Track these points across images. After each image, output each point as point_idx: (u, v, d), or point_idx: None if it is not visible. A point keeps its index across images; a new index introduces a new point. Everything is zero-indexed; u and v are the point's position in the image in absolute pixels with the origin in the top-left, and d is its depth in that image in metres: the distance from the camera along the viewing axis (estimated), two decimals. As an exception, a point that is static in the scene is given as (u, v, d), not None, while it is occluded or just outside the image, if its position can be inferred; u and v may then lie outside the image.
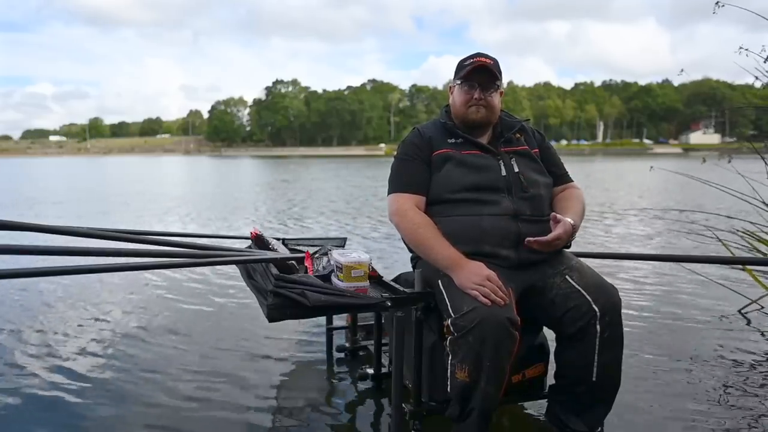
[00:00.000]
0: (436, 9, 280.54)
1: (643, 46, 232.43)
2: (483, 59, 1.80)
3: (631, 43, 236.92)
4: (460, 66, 1.85)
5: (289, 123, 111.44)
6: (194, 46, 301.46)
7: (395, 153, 1.91)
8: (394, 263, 4.54)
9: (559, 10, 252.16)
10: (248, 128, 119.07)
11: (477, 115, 1.81)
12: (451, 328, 1.55)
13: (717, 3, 2.99)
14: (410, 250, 1.94)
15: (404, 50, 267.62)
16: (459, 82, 1.83)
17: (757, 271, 3.52)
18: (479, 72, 1.79)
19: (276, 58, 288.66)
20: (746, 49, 3.04)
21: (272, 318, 1.63)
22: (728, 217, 3.94)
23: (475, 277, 1.56)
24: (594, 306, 1.62)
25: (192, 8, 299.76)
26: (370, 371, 2.19)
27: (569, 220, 1.69)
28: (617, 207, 9.44)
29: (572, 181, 1.94)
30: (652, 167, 3.78)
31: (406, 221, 1.75)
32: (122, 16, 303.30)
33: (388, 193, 1.86)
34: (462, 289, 1.58)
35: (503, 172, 1.77)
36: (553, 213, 1.69)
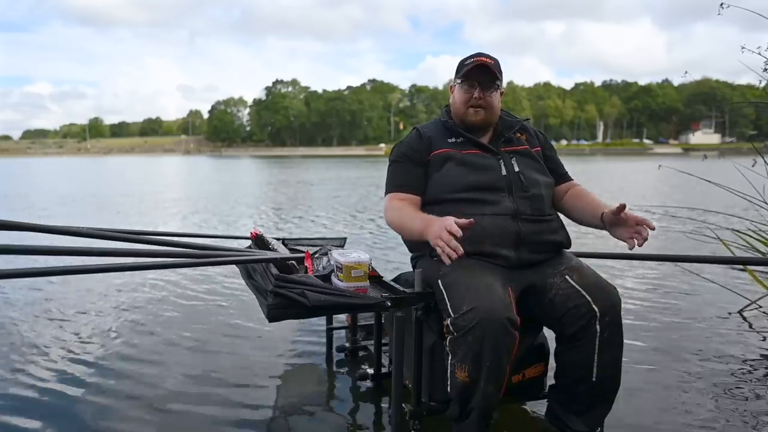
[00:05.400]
0: (430, 8, 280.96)
1: (640, 46, 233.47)
2: (483, 58, 1.80)
3: (627, 43, 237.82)
4: (461, 65, 1.85)
5: (289, 123, 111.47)
6: (191, 47, 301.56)
7: (390, 156, 1.93)
8: (394, 263, 4.54)
9: (554, 10, 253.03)
10: (248, 128, 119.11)
11: (476, 117, 1.82)
12: (451, 328, 1.55)
13: (722, 4, 2.99)
14: (410, 250, 1.95)
15: (402, 50, 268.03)
16: (459, 81, 1.83)
17: (757, 271, 3.52)
18: (479, 71, 1.80)
19: (274, 58, 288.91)
20: (756, 50, 3.03)
21: (272, 318, 1.63)
22: (729, 215, 3.94)
23: (437, 231, 1.57)
24: (594, 306, 1.62)
25: (185, 9, 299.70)
26: (370, 371, 2.18)
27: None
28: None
29: (573, 179, 1.95)
30: (660, 166, 3.77)
31: (390, 211, 1.82)
32: (115, 15, 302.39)
33: (384, 195, 1.89)
34: (430, 241, 1.61)
35: (503, 172, 1.77)
36: (620, 211, 1.64)
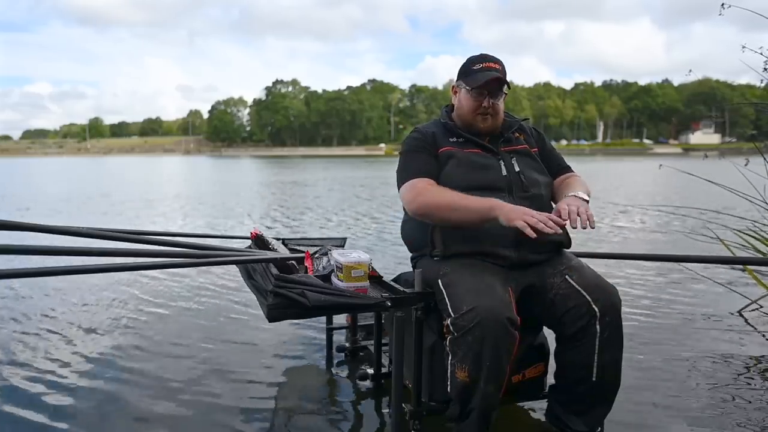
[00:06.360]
0: (429, 8, 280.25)
1: (639, 46, 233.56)
2: (493, 65, 1.79)
3: (627, 43, 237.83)
4: (469, 70, 1.83)
5: (289, 123, 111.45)
6: (190, 47, 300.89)
7: (400, 150, 1.89)
8: (394, 263, 4.54)
9: (553, 10, 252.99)
10: (248, 128, 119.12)
11: (484, 124, 1.82)
12: (451, 328, 1.55)
13: (723, 4, 3.00)
14: (410, 250, 1.94)
15: (401, 50, 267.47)
16: (469, 89, 1.82)
17: (757, 271, 3.52)
18: (491, 82, 1.78)
19: (273, 58, 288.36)
20: (758, 50, 3.03)
21: (272, 318, 1.63)
22: (729, 215, 3.94)
23: (521, 212, 1.56)
24: (594, 306, 1.62)
25: (183, 9, 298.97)
26: (370, 371, 2.18)
27: (572, 194, 1.70)
28: (617, 206, 9.43)
29: (572, 171, 1.95)
30: (661, 165, 3.77)
31: (428, 194, 1.70)
32: (114, 15, 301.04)
33: (400, 186, 1.81)
34: (511, 222, 1.55)
35: (504, 172, 1.77)
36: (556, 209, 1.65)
